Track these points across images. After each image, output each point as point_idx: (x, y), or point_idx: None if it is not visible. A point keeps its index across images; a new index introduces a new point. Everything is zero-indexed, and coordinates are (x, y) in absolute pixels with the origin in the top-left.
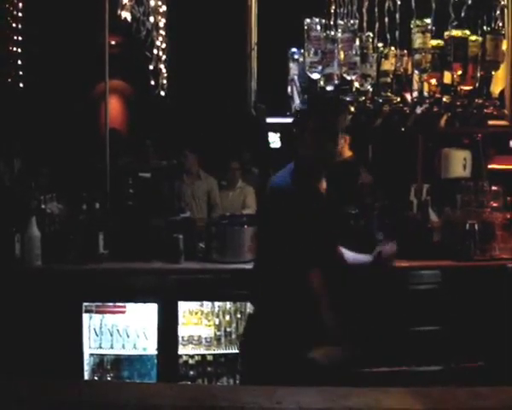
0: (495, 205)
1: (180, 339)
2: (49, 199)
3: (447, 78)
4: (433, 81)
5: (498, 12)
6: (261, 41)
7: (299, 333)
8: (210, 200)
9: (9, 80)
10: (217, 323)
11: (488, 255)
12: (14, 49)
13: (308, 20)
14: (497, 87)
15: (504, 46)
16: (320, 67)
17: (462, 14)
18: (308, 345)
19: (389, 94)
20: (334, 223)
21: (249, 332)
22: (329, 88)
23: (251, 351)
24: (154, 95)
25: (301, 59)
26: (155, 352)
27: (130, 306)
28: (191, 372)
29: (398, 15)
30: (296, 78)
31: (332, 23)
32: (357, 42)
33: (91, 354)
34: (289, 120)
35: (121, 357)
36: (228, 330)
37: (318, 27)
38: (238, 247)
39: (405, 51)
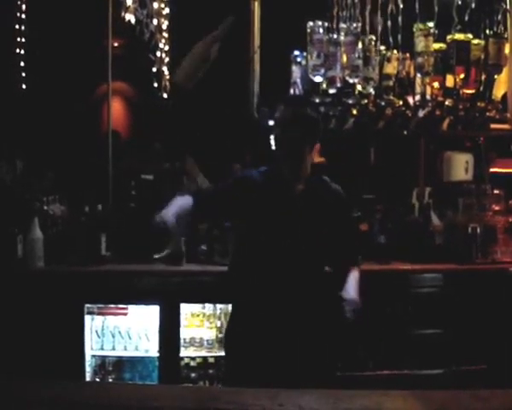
0: (497, 208)
1: (182, 341)
2: (52, 200)
3: (450, 81)
4: (436, 84)
5: (501, 16)
6: (264, 44)
7: (271, 329)
8: None
9: (12, 81)
10: (218, 325)
11: (490, 259)
12: (17, 50)
13: (311, 24)
14: (499, 91)
15: (507, 50)
16: (323, 70)
17: (465, 18)
18: (280, 343)
19: (391, 97)
20: (307, 228)
21: (228, 332)
22: (332, 91)
23: (231, 351)
24: (156, 97)
25: (304, 62)
26: (157, 354)
27: (132, 308)
28: (193, 375)
29: (400, 19)
30: (299, 81)
31: (335, 26)
32: (360, 45)
33: (93, 356)
34: None
35: (123, 359)
36: None
37: (321, 30)
38: None
39: (408, 54)
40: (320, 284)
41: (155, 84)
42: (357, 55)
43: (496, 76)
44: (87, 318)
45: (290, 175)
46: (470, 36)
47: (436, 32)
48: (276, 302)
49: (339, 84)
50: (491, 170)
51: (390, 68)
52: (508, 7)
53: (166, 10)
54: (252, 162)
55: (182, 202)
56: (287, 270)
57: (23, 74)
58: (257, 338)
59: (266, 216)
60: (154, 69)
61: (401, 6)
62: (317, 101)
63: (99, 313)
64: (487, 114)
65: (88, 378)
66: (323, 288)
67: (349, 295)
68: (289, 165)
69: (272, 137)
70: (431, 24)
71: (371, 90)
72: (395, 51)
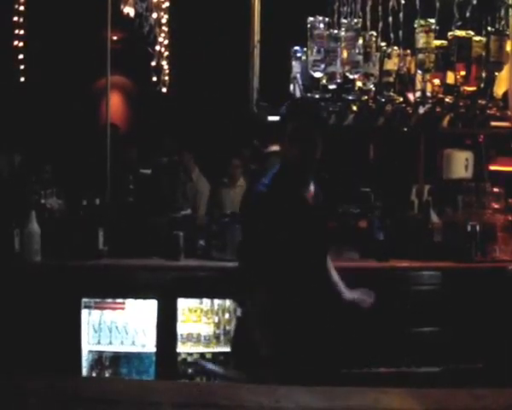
0: (496, 206)
1: (179, 337)
2: (49, 194)
3: (450, 78)
4: (436, 81)
5: (503, 12)
6: (264, 39)
7: (285, 337)
8: (196, 201)
9: (11, 74)
10: (216, 321)
11: (489, 257)
12: (16, 43)
13: (311, 19)
14: (500, 88)
15: (508, 47)
16: (323, 66)
17: (467, 15)
18: (295, 348)
19: (392, 93)
20: (321, 232)
21: (238, 335)
22: (332, 86)
23: (240, 354)
24: (155, 91)
25: (304, 57)
26: (154, 349)
27: (129, 302)
28: (190, 370)
29: (401, 15)
30: (299, 76)
31: (335, 22)
32: (361, 41)
33: (90, 351)
34: None
35: (120, 354)
36: (227, 328)
37: (321, 26)
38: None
39: (409, 51)
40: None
41: (154, 78)
42: (357, 51)
43: (497, 73)
44: (84, 312)
45: (303, 180)
46: (471, 33)
47: (437, 28)
48: (305, 306)
49: (339, 80)
50: (491, 168)
51: (390, 64)
52: (510, 3)
53: (166, 4)
54: (250, 157)
55: None
56: (312, 272)
57: (22, 67)
58: (285, 340)
59: (295, 224)
60: (153, 63)
61: (402, 2)
62: (317, 96)
63: (96, 308)
64: (488, 111)
65: (84, 373)
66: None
67: (352, 294)
68: (304, 170)
69: (285, 140)
70: (432, 20)
71: (371, 87)
72: (396, 47)
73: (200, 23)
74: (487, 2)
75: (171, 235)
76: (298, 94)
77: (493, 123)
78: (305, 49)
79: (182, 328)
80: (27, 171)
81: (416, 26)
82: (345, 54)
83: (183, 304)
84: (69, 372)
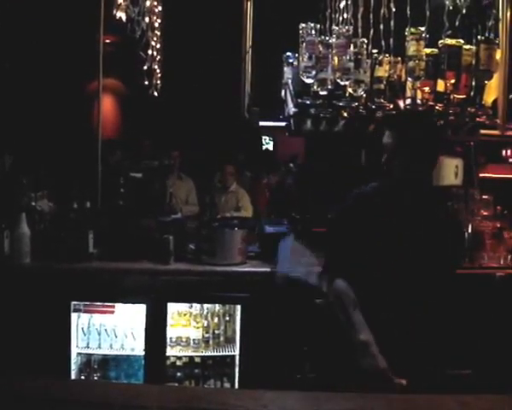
0: (485, 214)
1: (168, 340)
2: (40, 196)
3: (440, 86)
4: (427, 89)
5: (493, 21)
6: (256, 44)
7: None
8: (188, 200)
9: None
10: (205, 325)
11: (477, 264)
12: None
13: (303, 25)
14: (490, 96)
15: (498, 56)
16: (314, 72)
17: (457, 23)
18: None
19: (382, 100)
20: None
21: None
22: (323, 93)
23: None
24: (147, 95)
25: (295, 63)
26: (143, 353)
27: (118, 306)
28: (178, 374)
29: (392, 22)
30: (290, 82)
31: (327, 28)
32: (352, 48)
33: (79, 354)
34: (282, 124)
35: (108, 357)
36: (216, 332)
37: (313, 32)
38: (228, 249)
39: (399, 58)
40: None
41: (146, 82)
42: (348, 58)
43: (486, 82)
44: (73, 315)
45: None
46: (461, 41)
47: (427, 36)
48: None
49: (330, 86)
50: (481, 175)
51: (381, 72)
52: (500, 14)
53: (159, 8)
54: (243, 161)
55: None
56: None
57: (14, 69)
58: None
59: (394, 226)
60: (146, 67)
61: (393, 10)
62: (308, 102)
63: (85, 311)
64: (477, 119)
65: (73, 376)
66: None
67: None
68: (411, 178)
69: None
70: (422, 28)
71: (362, 93)
72: (387, 55)
73: (193, 28)
74: (477, 11)
75: (161, 239)
76: (289, 100)
77: (483, 131)
78: (296, 55)
79: (171, 332)
80: (18, 173)
81: (406, 33)
82: (336, 60)
83: (173, 308)
84: (58, 375)
